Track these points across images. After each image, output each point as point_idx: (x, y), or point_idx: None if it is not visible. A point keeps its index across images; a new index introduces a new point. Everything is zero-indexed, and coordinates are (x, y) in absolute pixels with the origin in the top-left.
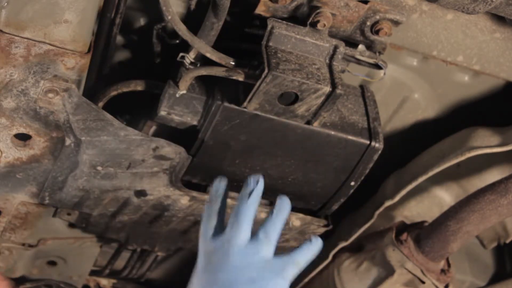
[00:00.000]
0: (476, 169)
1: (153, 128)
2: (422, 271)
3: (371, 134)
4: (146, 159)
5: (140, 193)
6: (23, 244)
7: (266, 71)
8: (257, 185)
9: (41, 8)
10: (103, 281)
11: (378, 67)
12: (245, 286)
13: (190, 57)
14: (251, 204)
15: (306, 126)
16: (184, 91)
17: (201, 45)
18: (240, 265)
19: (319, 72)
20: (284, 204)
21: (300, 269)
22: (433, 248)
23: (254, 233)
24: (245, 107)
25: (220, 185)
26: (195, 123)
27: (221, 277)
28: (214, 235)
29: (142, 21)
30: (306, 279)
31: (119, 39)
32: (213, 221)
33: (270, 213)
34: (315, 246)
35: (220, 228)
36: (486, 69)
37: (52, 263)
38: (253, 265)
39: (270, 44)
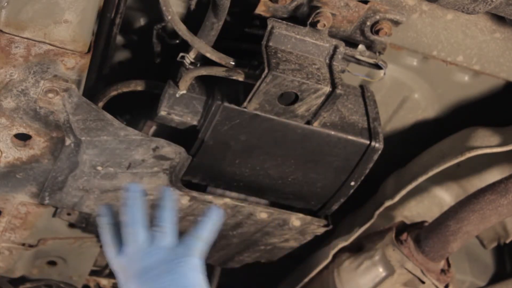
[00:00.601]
0: (476, 169)
1: (153, 128)
2: (422, 271)
3: (371, 134)
4: (146, 159)
5: None
6: (23, 244)
7: (266, 71)
8: (131, 191)
9: (41, 8)
10: (103, 281)
11: (378, 67)
12: (160, 279)
13: (190, 57)
14: (135, 210)
15: (306, 126)
16: (184, 91)
17: (201, 45)
18: (150, 266)
19: (319, 72)
20: (164, 195)
21: (207, 242)
22: (433, 248)
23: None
24: (245, 107)
25: (105, 212)
26: (195, 123)
27: (140, 282)
28: (118, 253)
29: (142, 21)
30: (306, 279)
31: (119, 39)
32: (111, 242)
33: (158, 206)
34: (215, 216)
35: (121, 245)
36: (486, 69)
37: (52, 263)
38: (159, 260)
39: (270, 44)
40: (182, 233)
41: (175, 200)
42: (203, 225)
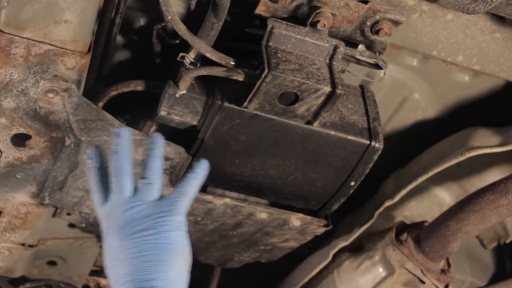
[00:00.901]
0: (476, 169)
1: (153, 128)
2: (422, 271)
3: (371, 134)
4: None
5: None
6: (23, 244)
7: (266, 71)
8: (122, 137)
9: (41, 8)
10: (103, 281)
11: (378, 67)
12: (142, 234)
13: (190, 57)
14: (123, 158)
15: (306, 126)
16: (184, 91)
17: (201, 45)
18: (132, 219)
19: (319, 72)
20: (154, 141)
21: (192, 198)
22: (433, 248)
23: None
24: (245, 107)
25: (93, 154)
26: (195, 123)
27: (120, 235)
28: (103, 201)
29: (142, 21)
30: (306, 279)
31: (119, 39)
32: (96, 189)
33: (147, 154)
34: (201, 171)
35: (106, 192)
36: (486, 69)
37: (52, 263)
38: (142, 215)
39: (270, 44)
40: None
41: (164, 149)
42: (189, 181)
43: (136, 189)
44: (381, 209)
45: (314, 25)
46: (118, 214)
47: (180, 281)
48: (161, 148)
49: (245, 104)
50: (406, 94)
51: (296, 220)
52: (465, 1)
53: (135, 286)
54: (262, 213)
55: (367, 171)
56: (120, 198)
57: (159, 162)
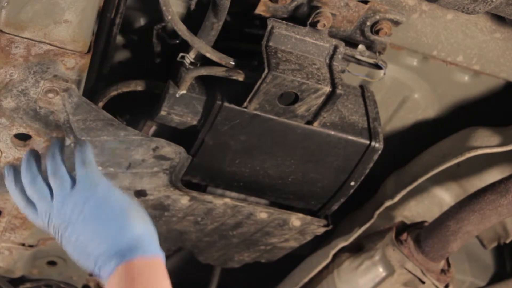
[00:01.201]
0: (476, 169)
1: (153, 128)
2: (422, 271)
3: (371, 134)
4: (146, 159)
5: (140, 193)
6: (23, 244)
7: (266, 71)
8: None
9: (41, 8)
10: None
11: (378, 67)
12: (88, 220)
13: (190, 57)
14: (31, 166)
15: (306, 126)
16: (184, 91)
17: (201, 45)
18: (68, 218)
19: (319, 72)
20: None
21: (94, 161)
22: (433, 248)
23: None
24: (245, 107)
25: (9, 181)
26: (195, 123)
27: (68, 236)
28: (35, 215)
29: (142, 21)
30: (306, 279)
31: (119, 39)
32: (25, 207)
33: (47, 156)
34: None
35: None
36: (486, 69)
37: (52, 263)
38: (75, 207)
39: (270, 44)
40: (182, 233)
41: (63, 144)
42: (81, 151)
43: (54, 189)
44: (381, 209)
45: (314, 25)
46: (55, 219)
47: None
48: (58, 147)
49: (245, 104)
50: (406, 94)
51: (296, 220)
52: (465, 1)
53: (114, 253)
54: (262, 213)
55: (367, 171)
56: (47, 205)
57: (59, 157)
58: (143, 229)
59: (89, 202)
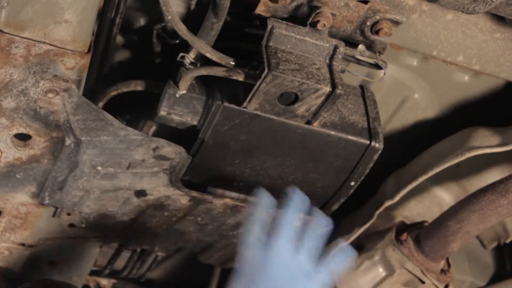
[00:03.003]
0: (476, 169)
1: (153, 128)
2: (422, 271)
3: (371, 134)
4: (146, 159)
5: (140, 193)
6: (23, 244)
7: (266, 71)
8: (293, 197)
9: (41, 8)
10: (103, 281)
11: (378, 67)
12: None
13: (190, 57)
14: (292, 217)
15: (306, 126)
16: (184, 91)
17: (201, 45)
18: (281, 277)
19: (319, 72)
20: (319, 221)
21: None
22: (433, 248)
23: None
24: (245, 107)
25: (266, 200)
26: (195, 123)
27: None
28: (258, 245)
29: (142, 21)
30: None
31: (119, 39)
32: (257, 232)
33: (311, 229)
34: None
35: (263, 238)
36: (486, 69)
37: (52, 263)
38: (293, 276)
39: (270, 44)
40: (182, 233)
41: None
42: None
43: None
44: (381, 209)
45: (314, 25)
46: (272, 265)
47: None
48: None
49: (245, 104)
50: (406, 94)
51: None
52: (465, 1)
53: None
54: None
55: (367, 171)
56: (279, 251)
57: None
58: None
59: None
